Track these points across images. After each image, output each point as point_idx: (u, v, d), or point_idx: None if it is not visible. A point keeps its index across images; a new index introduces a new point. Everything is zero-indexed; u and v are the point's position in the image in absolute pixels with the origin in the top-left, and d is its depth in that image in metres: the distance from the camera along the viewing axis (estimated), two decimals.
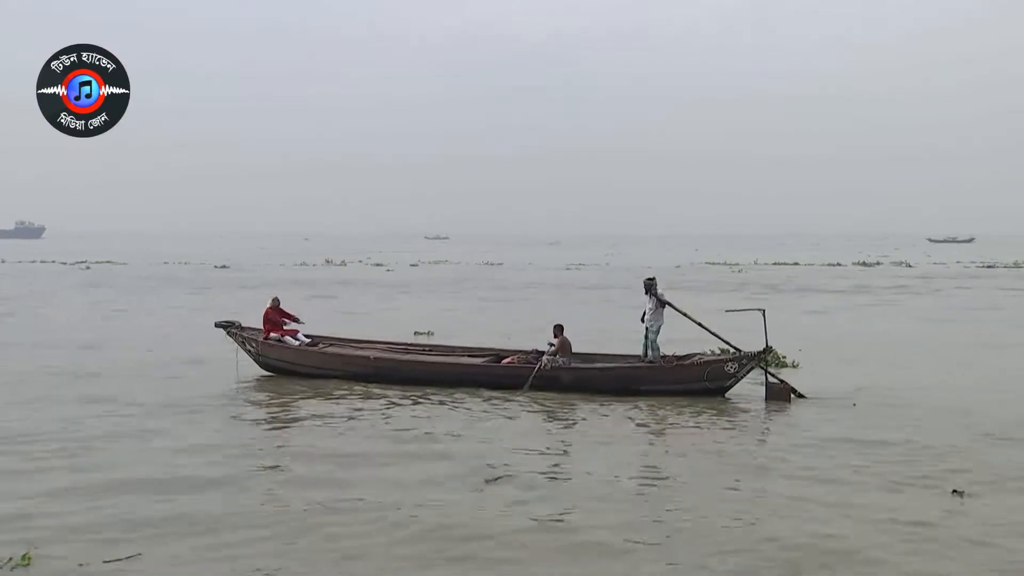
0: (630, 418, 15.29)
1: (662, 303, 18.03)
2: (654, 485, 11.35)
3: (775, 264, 74.31)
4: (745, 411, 16.05)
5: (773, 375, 17.49)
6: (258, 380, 18.66)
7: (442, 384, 17.63)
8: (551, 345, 18.03)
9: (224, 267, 66.00)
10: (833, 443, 13.49)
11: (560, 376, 17.53)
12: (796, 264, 74.02)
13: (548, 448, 13.02)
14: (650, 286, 18.14)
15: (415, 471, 11.66)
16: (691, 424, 14.82)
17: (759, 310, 17.78)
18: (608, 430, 14.28)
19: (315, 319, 27.68)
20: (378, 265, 72.53)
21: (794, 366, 20.50)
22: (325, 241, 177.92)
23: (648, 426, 14.78)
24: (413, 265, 73.71)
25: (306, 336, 19.55)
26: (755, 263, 74.97)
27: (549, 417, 15.36)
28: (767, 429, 14.72)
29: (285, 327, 19.38)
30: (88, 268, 63.74)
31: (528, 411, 15.77)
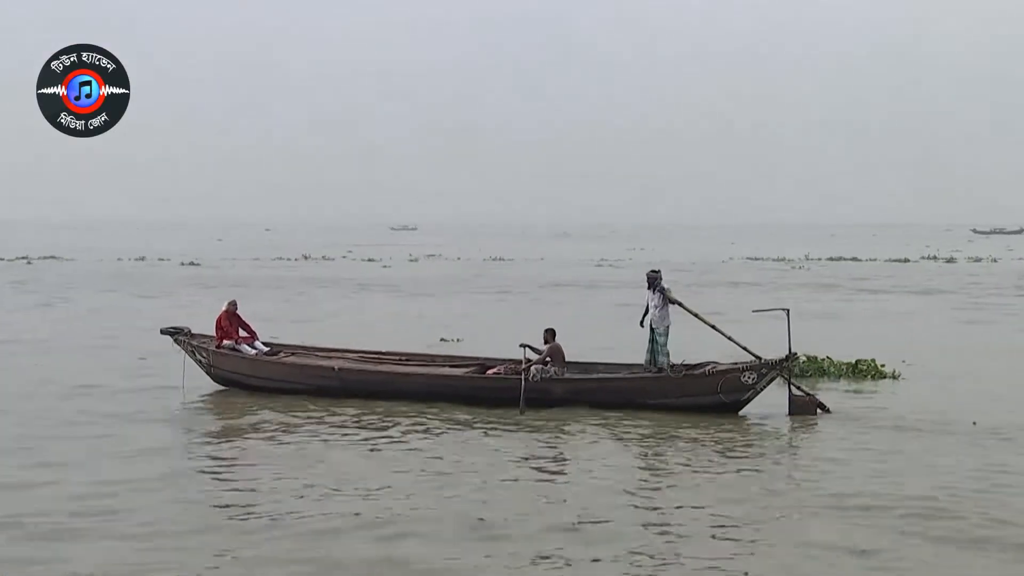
0: (628, 441, 15.74)
1: (668, 300, 18.36)
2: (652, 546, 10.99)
3: (830, 260, 74.54)
4: (766, 432, 16.53)
5: (798, 386, 17.90)
6: (207, 397, 19.32)
7: (417, 399, 18.15)
8: (535, 351, 18.51)
9: (194, 264, 66.65)
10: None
11: (552, 389, 18.00)
12: (855, 260, 74.26)
13: (531, 485, 13.19)
14: (654, 279, 18.50)
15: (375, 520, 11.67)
16: (700, 455, 14.87)
17: (783, 310, 18.13)
18: (603, 457, 14.58)
19: (325, 329, 28.11)
20: (371, 260, 73.27)
21: (895, 378, 20.88)
22: (289, 232, 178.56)
23: (650, 451, 15.19)
24: (412, 260, 74.37)
25: (265, 344, 20.09)
26: (806, 258, 75.17)
27: (534, 441, 15.77)
28: (795, 464, 14.74)
29: (241, 335, 19.89)
30: (30, 263, 64.63)
31: (510, 431, 16.27)
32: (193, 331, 20.21)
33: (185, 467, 14.09)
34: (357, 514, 11.69)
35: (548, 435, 16.07)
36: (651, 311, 18.50)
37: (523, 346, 18.47)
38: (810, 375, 20.92)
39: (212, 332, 20.02)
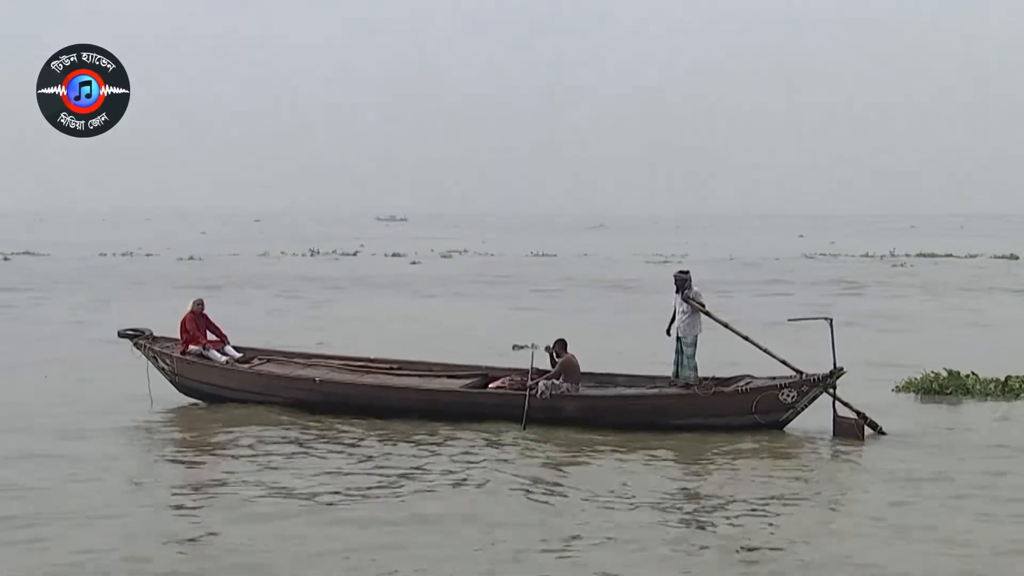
0: (650, 471, 15.81)
1: (693, 305, 18.48)
2: None
3: (921, 256, 73.68)
4: (812, 462, 16.60)
5: (845, 404, 17.89)
6: (170, 411, 19.76)
7: (409, 415, 18.44)
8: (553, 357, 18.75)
9: (192, 259, 67.34)
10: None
11: (563, 406, 18.20)
12: (950, 256, 73.43)
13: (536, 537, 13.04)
14: (683, 281, 18.63)
15: None
16: (727, 491, 14.82)
17: (825, 319, 18.18)
18: (619, 490, 14.66)
19: (381, 339, 27.96)
20: (396, 256, 73.72)
21: None
22: (280, 223, 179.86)
23: (675, 482, 15.27)
24: (445, 257, 74.72)
25: (237, 349, 20.48)
26: (892, 254, 74.43)
27: (541, 468, 15.96)
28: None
29: (209, 339, 20.25)
30: (7, 260, 65.54)
31: (514, 459, 16.46)
32: (155, 334, 20.66)
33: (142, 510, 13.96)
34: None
35: (558, 462, 16.29)
36: (677, 318, 18.66)
37: (545, 349, 18.70)
38: (950, 392, 21.01)
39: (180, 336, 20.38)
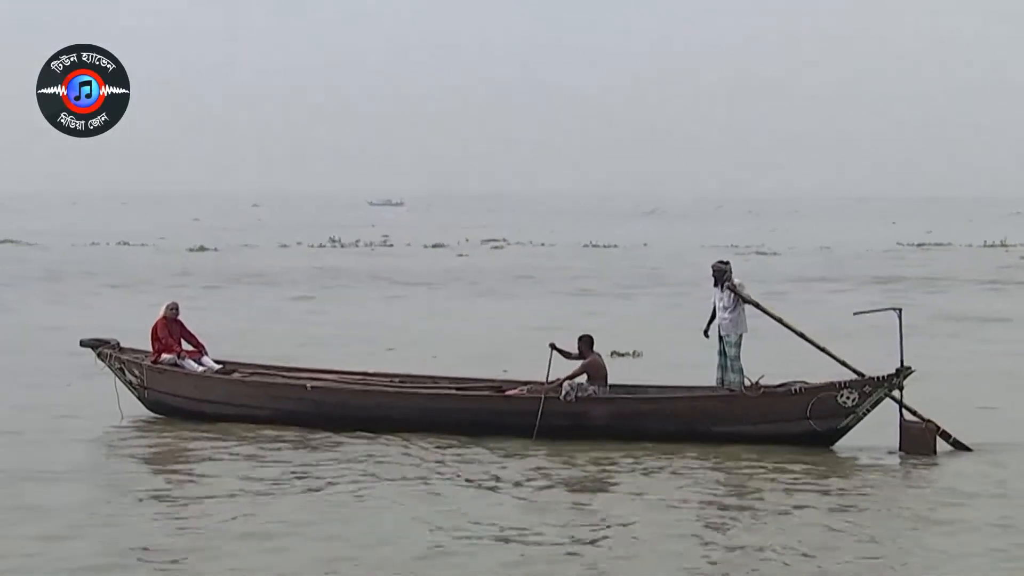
0: (687, 490, 15.70)
1: (742, 297, 18.29)
2: None
3: None
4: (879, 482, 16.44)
5: (912, 411, 17.64)
6: (135, 428, 19.84)
7: (414, 427, 18.58)
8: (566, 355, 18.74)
9: (204, 249, 67.43)
10: None
11: (591, 412, 18.23)
12: None
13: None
14: (722, 272, 18.50)
15: None
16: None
17: (894, 310, 17.96)
18: (651, 520, 14.46)
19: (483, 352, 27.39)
20: (437, 247, 73.60)
21: None
22: (275, 209, 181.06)
23: (717, 507, 15.11)
24: (496, 247, 74.62)
25: (216, 361, 20.49)
26: (1005, 244, 72.80)
27: (564, 487, 16.01)
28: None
29: (184, 347, 20.32)
30: None
31: (533, 475, 16.44)
32: (122, 344, 20.66)
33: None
34: None
35: (583, 481, 16.34)
36: (718, 315, 18.57)
37: (552, 347, 18.62)
38: None
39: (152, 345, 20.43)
